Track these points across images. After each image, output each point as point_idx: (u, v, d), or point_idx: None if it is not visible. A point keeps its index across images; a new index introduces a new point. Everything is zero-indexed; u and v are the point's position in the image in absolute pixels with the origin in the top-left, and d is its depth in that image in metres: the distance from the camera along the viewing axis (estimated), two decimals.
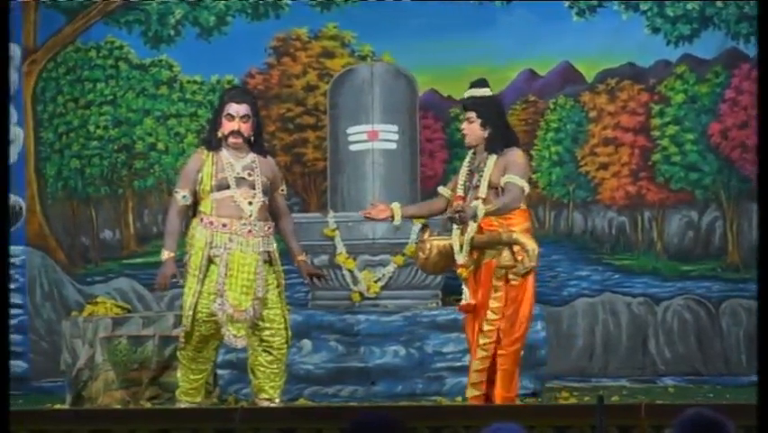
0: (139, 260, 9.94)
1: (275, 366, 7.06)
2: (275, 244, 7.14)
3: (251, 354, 7.09)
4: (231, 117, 7.06)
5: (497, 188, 6.87)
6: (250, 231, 6.98)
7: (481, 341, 6.85)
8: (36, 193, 9.92)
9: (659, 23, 9.68)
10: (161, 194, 9.95)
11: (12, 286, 9.81)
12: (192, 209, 7.10)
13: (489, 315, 6.82)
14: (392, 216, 7.30)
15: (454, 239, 6.90)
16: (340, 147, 9.16)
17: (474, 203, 6.81)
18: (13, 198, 9.89)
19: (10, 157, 9.90)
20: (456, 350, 8.27)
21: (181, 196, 7.05)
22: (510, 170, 6.86)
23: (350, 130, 9.09)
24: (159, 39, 9.94)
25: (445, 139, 9.79)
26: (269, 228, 7.08)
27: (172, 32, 9.93)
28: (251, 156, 7.10)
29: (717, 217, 9.65)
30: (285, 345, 7.10)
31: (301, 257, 7.35)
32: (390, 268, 8.77)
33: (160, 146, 9.98)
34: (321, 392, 8.34)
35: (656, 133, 9.72)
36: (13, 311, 9.81)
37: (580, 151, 9.80)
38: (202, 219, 7.00)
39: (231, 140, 7.05)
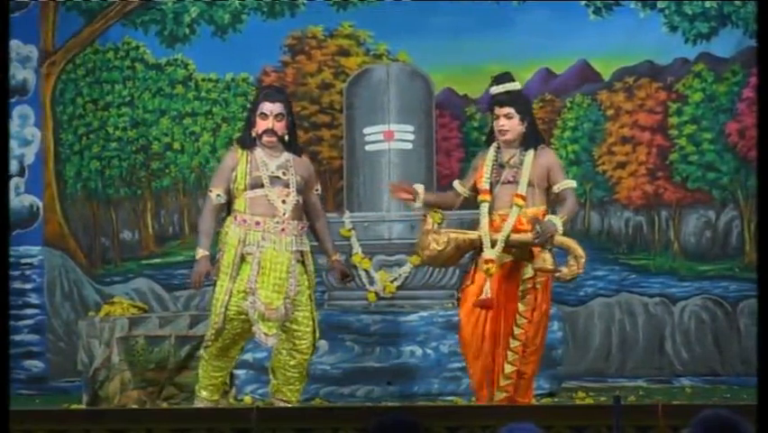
0: (157, 260, 9.96)
1: (296, 370, 7.04)
2: (308, 245, 7.13)
3: (275, 355, 7.07)
4: (264, 116, 7.06)
5: (533, 186, 6.82)
6: (283, 229, 6.96)
7: (513, 344, 6.77)
8: (56, 194, 9.93)
9: (677, 21, 9.65)
10: (178, 194, 9.97)
11: (29, 286, 9.84)
12: (227, 208, 7.11)
13: (519, 319, 6.75)
14: (414, 199, 7.12)
15: (483, 234, 6.79)
16: (356, 147, 9.17)
17: (549, 217, 6.73)
18: (30, 199, 9.91)
19: (27, 158, 9.93)
20: None
21: (215, 195, 7.06)
22: (557, 175, 6.85)
23: (366, 130, 9.10)
24: (174, 38, 9.95)
25: (461, 138, 9.77)
26: (303, 228, 7.07)
27: (187, 31, 9.94)
28: (286, 155, 7.10)
29: (734, 217, 9.61)
30: (309, 350, 7.08)
31: (335, 257, 7.35)
32: (406, 268, 8.76)
33: (176, 146, 9.99)
34: (337, 392, 8.34)
35: (674, 132, 9.69)
36: (30, 311, 9.84)
37: (598, 149, 9.78)
38: (236, 217, 7.00)
39: (265, 138, 7.05)
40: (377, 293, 8.74)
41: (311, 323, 7.05)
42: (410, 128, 9.09)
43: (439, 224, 7.72)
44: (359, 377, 8.35)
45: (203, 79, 9.95)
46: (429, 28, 9.66)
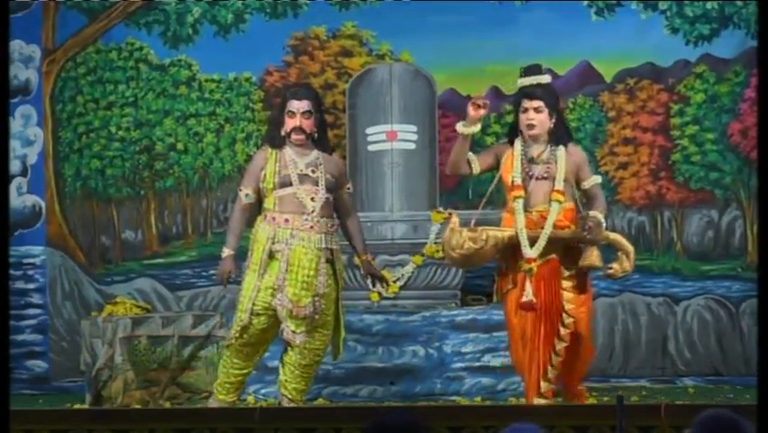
0: (160, 260, 9.96)
1: (304, 370, 7.04)
2: (338, 243, 7.12)
3: (288, 350, 7.06)
4: (292, 114, 7.08)
5: (567, 182, 6.74)
6: (312, 227, 6.96)
7: (558, 346, 6.65)
8: (55, 193, 9.93)
9: (678, 23, 9.66)
10: (181, 195, 9.98)
11: (31, 286, 9.85)
12: (258, 208, 7.11)
13: (566, 318, 6.64)
14: (478, 116, 6.74)
15: (520, 231, 6.64)
16: (358, 147, 9.18)
17: (593, 213, 6.67)
18: (33, 199, 9.92)
19: (30, 158, 9.93)
20: (475, 350, 8.28)
21: (244, 194, 7.08)
22: (586, 172, 6.80)
23: (369, 130, 9.11)
24: (177, 38, 9.96)
25: None
26: (333, 226, 7.07)
27: (190, 32, 9.94)
28: (315, 153, 7.11)
29: (737, 217, 9.62)
30: (323, 352, 7.07)
31: (365, 256, 7.35)
32: (409, 268, 8.77)
33: (180, 146, 10.00)
34: (340, 392, 8.35)
35: (676, 133, 9.70)
36: (33, 311, 9.85)
37: (600, 150, 9.78)
38: (265, 216, 7.02)
39: (293, 137, 7.07)
40: (380, 293, 8.74)
41: (331, 327, 7.05)
42: (413, 128, 9.09)
43: (441, 223, 7.71)
44: (361, 377, 8.36)
45: (206, 80, 9.96)
46: (432, 28, 9.66)
